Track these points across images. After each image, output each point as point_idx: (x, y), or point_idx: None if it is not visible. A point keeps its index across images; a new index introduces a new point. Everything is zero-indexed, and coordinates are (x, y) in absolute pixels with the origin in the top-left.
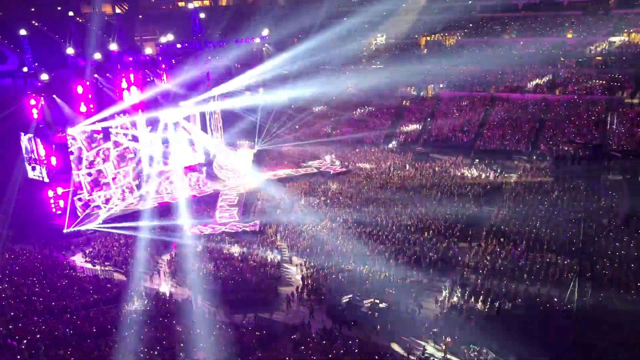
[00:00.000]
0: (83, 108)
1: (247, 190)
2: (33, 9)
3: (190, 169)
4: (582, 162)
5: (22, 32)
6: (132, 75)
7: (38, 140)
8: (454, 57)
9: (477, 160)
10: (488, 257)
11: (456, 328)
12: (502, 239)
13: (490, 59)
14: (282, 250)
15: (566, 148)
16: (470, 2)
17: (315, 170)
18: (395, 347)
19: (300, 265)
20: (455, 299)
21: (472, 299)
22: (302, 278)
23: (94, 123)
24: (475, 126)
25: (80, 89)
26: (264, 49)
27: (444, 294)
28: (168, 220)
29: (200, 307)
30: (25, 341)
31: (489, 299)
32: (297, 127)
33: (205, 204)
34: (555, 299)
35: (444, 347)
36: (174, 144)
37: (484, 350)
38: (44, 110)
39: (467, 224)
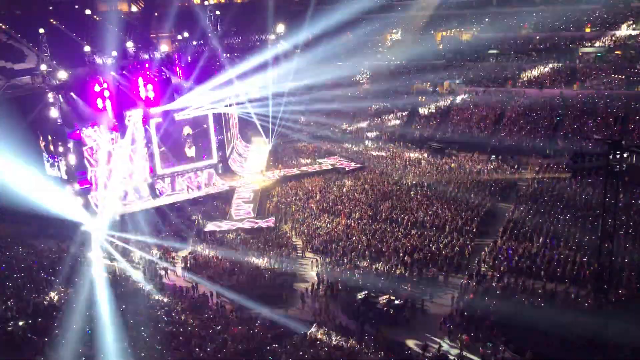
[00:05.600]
0: (100, 105)
1: (262, 186)
2: (51, 8)
3: (203, 167)
4: (601, 158)
5: (41, 30)
6: (148, 73)
7: (56, 137)
8: (470, 52)
9: (493, 156)
10: (504, 254)
11: (472, 325)
12: (518, 236)
13: (507, 54)
14: (297, 247)
15: (584, 144)
16: None
17: (330, 167)
18: (410, 344)
19: (316, 261)
20: (471, 296)
21: (488, 296)
22: (317, 274)
23: (113, 118)
24: (491, 122)
25: (97, 87)
26: (279, 45)
27: (460, 291)
28: (183, 216)
29: (217, 302)
30: (44, 336)
31: (506, 296)
32: (311, 122)
33: (221, 201)
34: (573, 296)
35: (459, 344)
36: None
37: (501, 348)
38: (62, 108)
39: (484, 221)
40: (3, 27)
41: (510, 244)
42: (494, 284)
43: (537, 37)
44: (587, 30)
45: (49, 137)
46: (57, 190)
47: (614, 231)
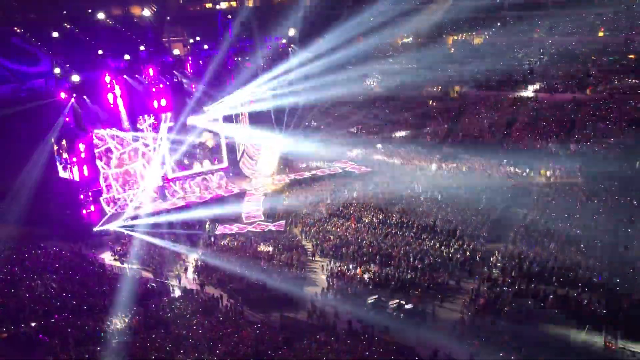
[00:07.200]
0: (112, 107)
1: (273, 189)
2: (65, 12)
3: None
4: (614, 163)
5: (55, 34)
6: (160, 77)
7: (69, 140)
8: (481, 56)
9: (504, 160)
10: (516, 259)
11: (483, 331)
12: (530, 241)
13: (519, 58)
14: (307, 250)
15: (597, 148)
16: (498, 0)
17: (340, 171)
18: (420, 349)
19: (326, 265)
20: (482, 301)
21: (499, 301)
22: (327, 278)
23: (126, 121)
24: (503, 126)
25: (110, 91)
26: (290, 49)
27: (471, 295)
28: (193, 219)
29: (227, 305)
30: (56, 337)
31: (517, 302)
32: (322, 126)
33: (231, 204)
34: (585, 302)
35: (470, 349)
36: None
37: (512, 355)
38: (75, 110)
39: (495, 225)
40: (17, 31)
41: (522, 249)
42: (505, 289)
43: (550, 41)
44: (600, 34)
45: (62, 140)
46: (69, 193)
47: (628, 236)
